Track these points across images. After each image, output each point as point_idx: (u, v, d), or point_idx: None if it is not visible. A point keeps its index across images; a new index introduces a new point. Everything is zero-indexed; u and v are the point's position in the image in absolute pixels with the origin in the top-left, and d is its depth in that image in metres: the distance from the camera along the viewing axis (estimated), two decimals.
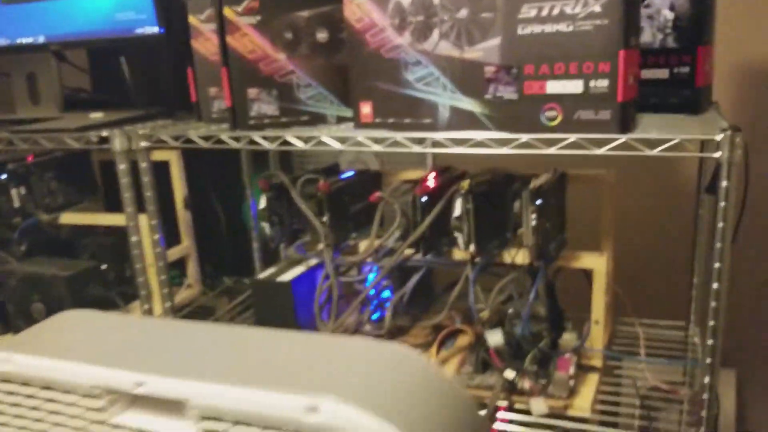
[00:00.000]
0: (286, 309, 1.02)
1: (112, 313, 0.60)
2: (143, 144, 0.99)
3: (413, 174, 1.09)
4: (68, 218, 1.25)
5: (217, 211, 1.46)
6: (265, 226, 1.04)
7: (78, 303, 1.05)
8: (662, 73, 0.90)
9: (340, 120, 0.98)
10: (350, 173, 1.10)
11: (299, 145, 0.88)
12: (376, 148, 0.84)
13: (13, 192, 1.18)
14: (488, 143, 0.77)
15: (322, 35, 0.96)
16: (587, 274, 0.95)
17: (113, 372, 0.47)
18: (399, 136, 0.83)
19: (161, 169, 1.29)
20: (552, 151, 0.74)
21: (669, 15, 0.89)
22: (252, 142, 0.91)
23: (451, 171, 1.02)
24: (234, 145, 0.92)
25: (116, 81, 1.40)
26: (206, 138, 0.94)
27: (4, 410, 0.53)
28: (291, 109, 0.96)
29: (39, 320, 1.06)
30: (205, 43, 1.03)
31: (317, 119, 0.97)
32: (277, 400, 0.40)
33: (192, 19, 1.02)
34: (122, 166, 1.00)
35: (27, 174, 1.20)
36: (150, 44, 1.02)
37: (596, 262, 0.92)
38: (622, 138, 0.71)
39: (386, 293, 1.07)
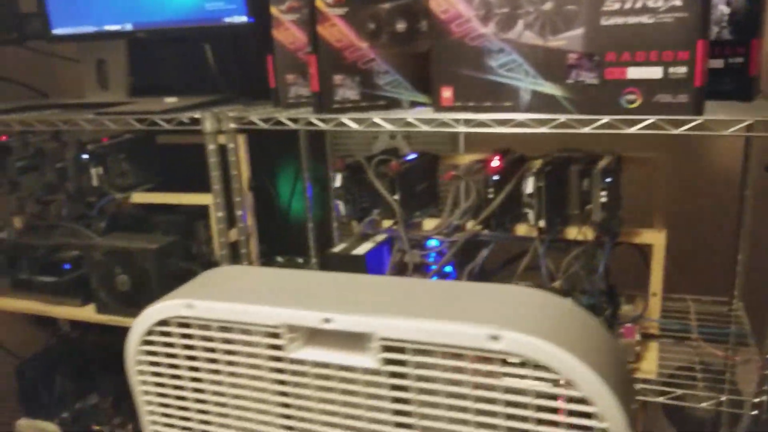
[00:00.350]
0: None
1: (258, 267, 0.67)
2: (232, 126, 1.06)
3: (469, 157, 1.17)
4: (138, 197, 1.32)
5: (271, 192, 1.53)
6: (340, 204, 1.12)
7: (162, 275, 1.12)
8: (718, 63, 0.98)
9: (413, 105, 1.05)
10: (413, 156, 1.17)
11: (388, 126, 0.96)
12: (462, 128, 0.91)
13: (93, 171, 1.25)
14: (571, 124, 0.85)
15: (400, 26, 1.03)
16: (641, 250, 1.03)
17: (297, 311, 0.54)
18: (483, 117, 0.90)
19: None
20: (632, 131, 0.82)
21: (726, 10, 0.97)
22: (340, 123, 0.99)
23: (510, 153, 1.09)
24: (322, 126, 0.99)
25: (179, 68, 1.47)
26: (294, 120, 1.01)
27: (180, 353, 0.60)
28: (370, 94, 1.03)
29: (123, 291, 1.13)
30: (285, 33, 1.10)
31: (393, 104, 1.05)
32: (460, 331, 0.48)
33: (274, 10, 1.09)
34: (211, 147, 1.07)
35: (104, 155, 1.26)
36: (233, 33, 1.08)
37: (656, 238, 0.99)
38: (699, 119, 0.79)
39: (448, 268, 1.15)
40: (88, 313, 1.20)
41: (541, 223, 0.99)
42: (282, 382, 0.57)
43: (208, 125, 1.05)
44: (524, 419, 0.48)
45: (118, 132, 1.30)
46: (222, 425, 0.61)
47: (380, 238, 1.17)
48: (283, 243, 1.56)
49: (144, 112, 1.10)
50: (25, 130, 1.26)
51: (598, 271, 0.96)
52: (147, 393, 0.64)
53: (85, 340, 1.57)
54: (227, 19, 1.06)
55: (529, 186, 0.97)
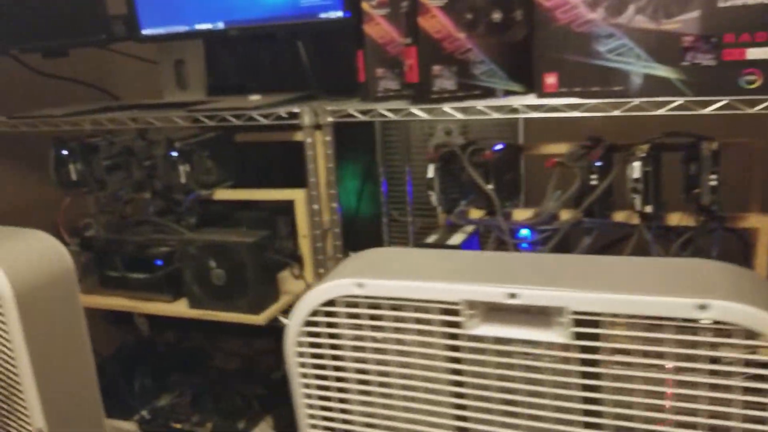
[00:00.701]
0: None
1: (409, 248, 0.68)
2: (330, 119, 1.07)
3: (553, 147, 1.17)
4: (222, 194, 1.33)
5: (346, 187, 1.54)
6: (431, 195, 1.12)
7: (258, 268, 1.14)
8: None
9: (507, 93, 1.06)
10: (501, 146, 1.18)
11: (494, 114, 0.96)
12: (574, 113, 0.92)
13: (181, 169, 1.26)
14: (689, 106, 0.85)
15: (496, 15, 1.04)
16: (740, 235, 1.03)
17: (480, 287, 0.55)
18: (593, 101, 0.91)
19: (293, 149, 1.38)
20: (753, 111, 0.82)
21: None
22: (441, 113, 0.99)
23: (602, 141, 1.09)
24: (423, 116, 1.00)
25: (254, 67, 1.49)
26: (395, 111, 1.02)
27: (345, 333, 0.61)
28: (466, 84, 1.04)
29: (218, 285, 1.15)
30: (375, 27, 1.11)
31: (488, 93, 1.05)
32: (665, 302, 0.48)
33: (365, 5, 1.10)
34: (309, 140, 1.08)
35: (190, 152, 1.28)
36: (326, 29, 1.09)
37: (762, 222, 0.99)
38: None
39: None
40: (179, 308, 1.22)
41: (648, 209, 0.99)
42: (457, 361, 0.58)
43: (307, 119, 1.07)
44: (728, 389, 0.48)
45: (206, 129, 1.32)
46: (386, 407, 0.62)
47: (468, 228, 1.18)
48: (356, 237, 1.57)
49: (240, 108, 1.12)
50: (112, 129, 1.29)
51: (712, 256, 0.96)
52: (305, 376, 0.65)
53: (163, 338, 1.59)
54: (322, 15, 1.07)
55: (636, 171, 0.97)
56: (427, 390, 0.60)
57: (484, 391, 0.58)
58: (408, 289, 0.58)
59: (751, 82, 0.83)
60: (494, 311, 0.56)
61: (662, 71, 0.88)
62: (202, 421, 1.47)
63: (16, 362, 0.80)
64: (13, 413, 0.82)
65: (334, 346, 0.63)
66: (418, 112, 1.01)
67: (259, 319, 1.15)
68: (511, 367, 0.56)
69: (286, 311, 1.21)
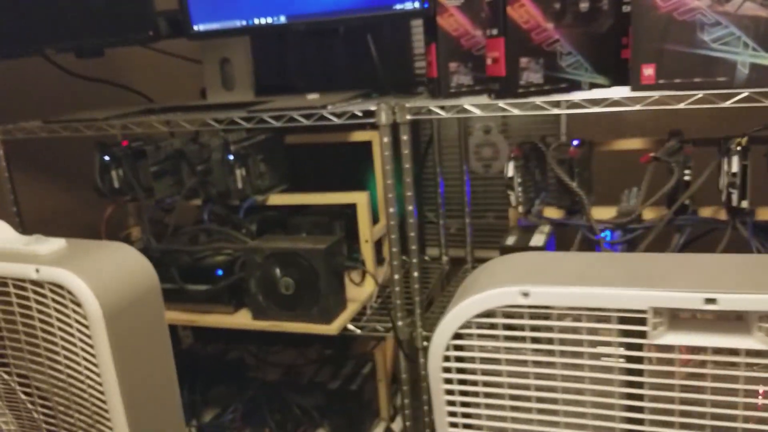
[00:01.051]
0: None
1: (555, 252, 0.63)
2: (408, 117, 1.02)
3: (624, 143, 1.13)
4: (277, 199, 1.28)
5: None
6: (510, 194, 1.08)
7: (329, 275, 1.08)
8: None
9: (592, 86, 1.02)
10: (577, 142, 1.13)
11: (593, 109, 0.92)
12: (681, 105, 0.88)
13: (237, 173, 1.21)
14: None
15: (584, 5, 0.99)
16: None
17: (671, 293, 0.50)
18: (701, 93, 0.87)
19: (358, 150, 1.33)
20: None
21: None
22: (534, 107, 0.95)
23: (682, 135, 1.05)
24: (514, 112, 0.96)
25: (299, 64, 1.43)
26: (482, 106, 0.97)
27: (502, 346, 0.56)
28: (553, 77, 1.00)
29: (285, 294, 1.09)
30: (449, 19, 1.07)
31: (573, 86, 1.01)
32: None
33: None
34: (386, 140, 1.03)
35: (246, 156, 1.22)
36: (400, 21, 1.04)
37: None
38: None
39: None
40: (242, 319, 1.16)
41: (744, 203, 0.95)
42: (637, 374, 0.53)
43: (384, 117, 1.02)
44: None
45: (255, 132, 1.26)
46: (548, 424, 0.57)
47: (545, 229, 1.14)
48: None
49: (308, 107, 1.06)
50: (162, 132, 1.23)
51: None
52: (451, 393, 0.60)
53: (205, 350, 1.53)
54: (398, 6, 1.02)
55: (734, 165, 0.94)
56: (596, 407, 0.55)
57: (663, 403, 0.53)
58: (584, 297, 0.53)
59: None
60: (677, 319, 0.52)
61: None
62: None
63: (104, 387, 0.74)
64: None
65: (488, 361, 0.58)
66: (508, 107, 0.96)
67: (332, 328, 1.09)
68: (700, 378, 0.51)
69: (355, 319, 1.16)
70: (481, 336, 0.57)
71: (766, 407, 0.49)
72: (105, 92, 1.53)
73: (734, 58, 0.87)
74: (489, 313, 0.56)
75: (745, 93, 0.85)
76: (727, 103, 0.86)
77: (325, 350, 1.42)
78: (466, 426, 0.61)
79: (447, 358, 0.59)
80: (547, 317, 0.55)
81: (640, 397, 0.54)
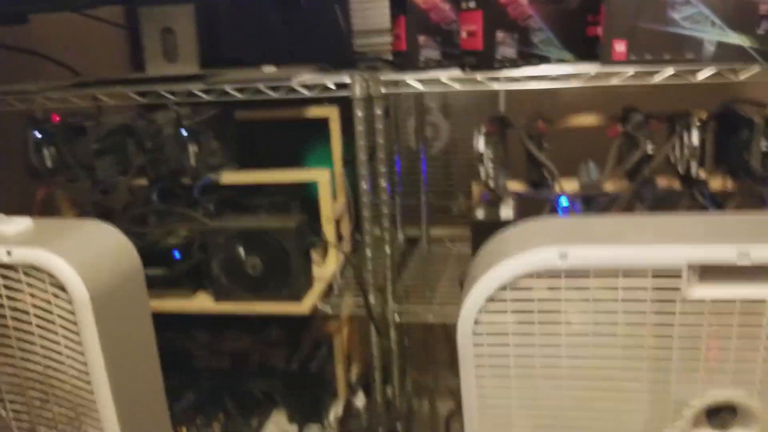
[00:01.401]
0: None
1: (573, 218, 0.64)
2: (383, 90, 1.00)
3: (576, 120, 1.17)
4: (235, 177, 1.22)
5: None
6: (481, 169, 1.09)
7: (299, 254, 1.05)
8: None
9: (560, 63, 1.05)
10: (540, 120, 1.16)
11: (573, 83, 0.94)
12: (654, 81, 0.92)
13: (191, 150, 1.14)
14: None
15: None
16: None
17: (707, 247, 0.52)
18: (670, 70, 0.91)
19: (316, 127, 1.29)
20: None
21: None
22: (510, 79, 0.96)
23: (636, 111, 1.11)
24: (494, 86, 0.96)
25: (248, 37, 1.37)
26: (459, 80, 0.97)
27: (537, 310, 0.57)
28: (526, 52, 1.01)
29: (252, 275, 1.05)
30: None
31: (543, 62, 1.03)
32: None
33: None
34: (359, 114, 1.00)
35: (198, 132, 1.16)
36: None
37: None
38: None
39: None
40: (203, 303, 1.10)
41: (702, 174, 1.01)
42: (668, 328, 0.55)
43: (358, 90, 0.99)
44: None
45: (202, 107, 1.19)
46: (577, 388, 0.58)
47: (509, 202, 1.16)
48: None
49: (275, 79, 1.02)
50: (107, 105, 1.13)
51: None
52: (481, 357, 0.60)
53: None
54: None
55: (695, 138, 1.00)
56: (626, 367, 0.57)
57: (693, 358, 0.56)
58: (621, 256, 0.54)
59: None
60: (706, 273, 0.54)
61: (736, 39, 0.90)
62: (207, 422, 1.35)
63: (91, 377, 0.68)
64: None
65: (522, 325, 0.58)
66: (485, 80, 0.96)
67: (303, 307, 1.06)
68: (728, 329, 0.54)
69: (323, 298, 1.13)
70: (515, 300, 0.57)
71: None
72: (16, 63, 1.38)
73: (701, 36, 0.92)
74: (525, 277, 0.56)
75: (714, 69, 0.90)
76: (697, 80, 0.91)
77: (280, 334, 1.38)
78: (496, 391, 0.61)
79: (478, 323, 0.59)
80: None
81: (669, 354, 0.56)
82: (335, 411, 1.32)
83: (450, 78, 0.97)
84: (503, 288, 0.57)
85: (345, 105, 1.22)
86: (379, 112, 1.01)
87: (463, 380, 0.61)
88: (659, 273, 0.54)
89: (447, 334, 1.57)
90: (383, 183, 1.04)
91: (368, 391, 1.36)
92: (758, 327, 0.54)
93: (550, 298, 0.56)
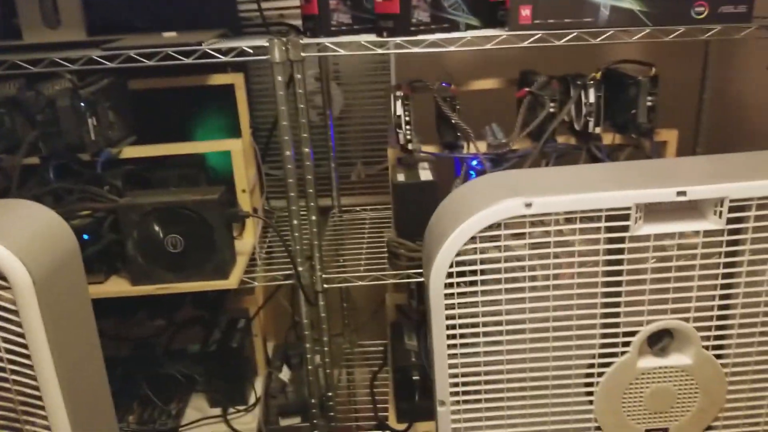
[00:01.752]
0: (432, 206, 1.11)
1: (518, 170, 0.68)
2: (303, 54, 0.98)
3: (477, 84, 1.24)
4: (132, 151, 1.15)
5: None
6: (399, 132, 1.11)
7: (222, 228, 1.02)
8: None
9: (468, 27, 1.09)
10: (445, 84, 1.20)
11: (487, 46, 0.98)
12: (558, 42, 0.98)
13: (90, 123, 1.05)
14: (656, 34, 0.98)
15: None
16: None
17: (650, 190, 0.59)
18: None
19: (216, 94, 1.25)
20: (703, 38, 0.97)
21: None
22: (432, 44, 0.98)
23: (536, 73, 1.19)
24: (414, 50, 0.98)
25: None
26: (379, 44, 0.98)
27: (502, 259, 0.61)
28: (437, 16, 1.04)
29: (173, 253, 1.01)
30: None
31: (454, 27, 1.07)
32: None
33: None
34: (279, 79, 0.98)
35: (94, 103, 1.07)
36: None
37: (670, 135, 1.18)
38: (755, 25, 0.97)
39: None
40: (117, 287, 1.03)
41: (598, 130, 1.11)
42: (617, 264, 0.61)
43: (277, 54, 0.97)
44: None
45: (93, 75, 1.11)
46: (538, 331, 0.63)
47: (425, 165, 1.20)
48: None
49: (185, 44, 0.96)
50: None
51: None
52: (452, 318, 0.62)
53: None
54: None
55: (591, 96, 1.09)
56: (582, 305, 0.63)
57: (639, 292, 0.62)
58: (579, 202, 0.59)
59: (700, 13, 0.99)
60: (650, 212, 0.61)
61: (628, 3, 0.99)
62: (122, 412, 1.28)
63: (36, 370, 0.62)
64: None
65: (490, 274, 0.61)
66: (407, 44, 0.98)
67: (231, 282, 1.03)
68: (665, 260, 0.61)
69: (246, 272, 1.11)
70: (483, 253, 0.61)
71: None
72: None
73: (598, 1, 1.00)
74: (493, 227, 0.60)
75: (611, 32, 0.98)
76: (597, 41, 0.99)
77: (194, 313, 1.33)
78: (464, 345, 0.64)
79: (450, 276, 0.61)
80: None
81: (618, 288, 0.63)
82: (257, 388, 1.30)
83: (370, 42, 0.98)
84: (473, 240, 0.60)
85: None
86: (299, 75, 0.99)
87: (435, 342, 0.63)
88: (611, 215, 0.60)
89: (354, 296, 1.60)
90: (306, 149, 1.03)
91: (290, 364, 1.36)
92: (692, 259, 0.61)
93: (515, 246, 0.60)
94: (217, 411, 1.27)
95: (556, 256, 0.61)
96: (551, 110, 1.10)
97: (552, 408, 0.66)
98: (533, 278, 0.61)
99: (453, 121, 1.10)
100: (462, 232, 0.60)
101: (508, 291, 0.62)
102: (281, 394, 1.29)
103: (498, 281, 0.62)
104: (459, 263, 0.61)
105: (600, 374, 0.65)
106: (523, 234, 0.60)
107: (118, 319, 1.30)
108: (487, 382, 0.65)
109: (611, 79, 1.14)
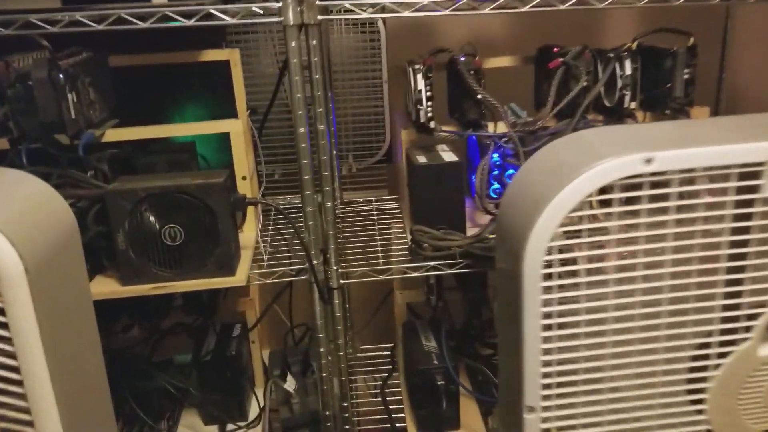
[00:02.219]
0: (458, 191, 1.01)
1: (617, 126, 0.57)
2: (320, 17, 0.86)
3: (495, 61, 1.14)
4: (117, 134, 1.01)
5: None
6: (420, 109, 1.01)
7: (227, 216, 0.89)
8: None
9: None
10: (463, 57, 1.10)
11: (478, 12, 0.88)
12: (562, 6, 0.89)
13: (70, 99, 0.91)
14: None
15: None
16: None
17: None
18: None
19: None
20: (715, 1, 0.89)
21: None
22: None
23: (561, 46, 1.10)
24: (404, 13, 0.87)
25: None
26: (408, 4, 0.87)
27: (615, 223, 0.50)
28: None
29: (172, 246, 0.87)
30: None
31: None
32: None
33: None
34: (293, 44, 0.86)
35: (75, 77, 0.93)
36: None
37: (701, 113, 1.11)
38: None
39: (510, 170, 1.12)
40: (104, 288, 0.89)
41: (633, 105, 1.03)
42: (743, 232, 0.52)
43: (291, 16, 0.85)
44: None
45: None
46: (650, 317, 0.53)
47: (443, 146, 1.10)
48: None
49: (185, 3, 0.83)
50: None
51: None
52: (550, 304, 0.52)
53: None
54: None
55: (627, 67, 1.00)
56: (702, 283, 0.53)
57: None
58: (707, 156, 0.49)
59: None
60: None
61: None
62: None
63: (27, 381, 0.48)
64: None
65: (596, 251, 0.51)
66: (396, 7, 0.87)
67: (239, 279, 0.90)
68: None
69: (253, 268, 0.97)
70: (594, 217, 0.50)
71: None
72: None
73: None
74: (605, 189, 0.49)
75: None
76: (603, 5, 0.88)
77: (185, 319, 1.19)
78: (562, 338, 0.53)
79: (549, 256, 0.50)
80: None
81: (744, 262, 0.53)
82: (257, 401, 1.17)
83: (395, 3, 0.87)
84: (579, 208, 0.49)
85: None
86: (314, 42, 0.88)
87: (526, 337, 0.52)
88: (742, 171, 0.50)
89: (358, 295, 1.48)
90: (321, 126, 0.91)
91: (292, 373, 1.22)
92: None
93: (627, 212, 0.50)
94: (214, 429, 1.13)
95: (675, 224, 0.50)
96: (585, 84, 1.01)
97: (659, 410, 0.56)
98: (648, 252, 0.51)
99: (479, 96, 1.00)
100: (565, 198, 0.49)
101: (617, 269, 0.51)
102: (286, 406, 1.15)
103: (602, 268, 0.51)
104: (560, 241, 0.50)
105: (716, 366, 0.55)
106: (637, 199, 0.50)
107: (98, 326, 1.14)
108: (586, 382, 0.54)
109: (643, 51, 1.05)
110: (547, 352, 0.53)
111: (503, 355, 0.61)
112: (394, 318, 1.39)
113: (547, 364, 0.53)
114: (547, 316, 0.52)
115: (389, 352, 1.37)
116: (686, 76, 1.02)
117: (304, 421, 1.13)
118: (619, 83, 1.01)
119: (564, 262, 0.50)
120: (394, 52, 1.42)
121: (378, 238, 1.12)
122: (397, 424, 1.14)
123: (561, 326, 0.52)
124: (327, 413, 1.04)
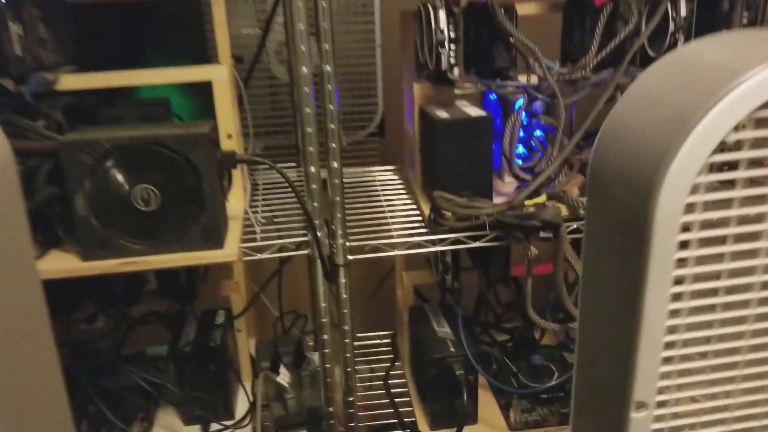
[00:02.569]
0: (483, 150, 0.86)
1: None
2: None
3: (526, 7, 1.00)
4: (74, 81, 0.83)
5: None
6: (443, 54, 0.85)
7: (213, 176, 0.72)
8: None
9: None
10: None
11: None
12: None
13: (13, 30, 0.73)
14: None
15: None
16: None
17: None
18: None
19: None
20: None
21: None
22: None
23: None
24: None
25: None
26: None
27: None
28: None
29: (145, 212, 0.71)
30: None
31: None
32: None
33: None
34: None
35: (20, 4, 0.75)
36: None
37: None
38: None
39: (538, 132, 0.98)
40: (60, 264, 0.72)
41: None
42: None
43: None
44: None
45: None
46: None
47: (463, 101, 0.95)
48: None
49: None
50: None
51: None
52: (685, 246, 0.37)
53: None
54: None
55: (682, 7, 0.86)
56: None
57: None
58: None
59: None
60: None
61: None
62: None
63: None
64: None
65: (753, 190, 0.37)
66: None
67: (228, 253, 0.74)
68: None
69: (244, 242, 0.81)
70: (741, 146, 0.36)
71: None
72: None
73: None
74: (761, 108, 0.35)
75: None
76: None
77: (159, 305, 1.02)
78: (698, 278, 0.39)
79: (694, 194, 0.36)
80: None
81: None
82: (247, 396, 1.01)
83: None
84: (734, 131, 0.35)
85: None
86: None
87: (647, 305, 0.38)
88: None
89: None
90: (330, 87, 0.75)
91: (283, 364, 1.07)
92: None
93: None
94: (196, 429, 0.97)
95: None
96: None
97: None
98: None
99: (512, 40, 0.85)
100: (724, 113, 0.34)
101: None
102: (279, 402, 1.00)
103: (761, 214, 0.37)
104: (707, 175, 0.35)
105: None
106: None
107: (54, 315, 0.97)
108: (715, 369, 0.40)
109: None
110: (672, 330, 0.39)
111: (588, 342, 0.47)
112: (391, 302, 1.25)
113: (670, 345, 0.39)
114: (679, 281, 0.37)
115: (389, 340, 1.23)
116: (746, 21, 0.88)
117: (301, 418, 0.97)
118: (671, 27, 0.87)
119: (710, 207, 0.36)
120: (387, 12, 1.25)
121: (386, 210, 0.97)
122: (405, 419, 1.00)
123: (694, 295, 0.38)
124: (330, 409, 0.89)
